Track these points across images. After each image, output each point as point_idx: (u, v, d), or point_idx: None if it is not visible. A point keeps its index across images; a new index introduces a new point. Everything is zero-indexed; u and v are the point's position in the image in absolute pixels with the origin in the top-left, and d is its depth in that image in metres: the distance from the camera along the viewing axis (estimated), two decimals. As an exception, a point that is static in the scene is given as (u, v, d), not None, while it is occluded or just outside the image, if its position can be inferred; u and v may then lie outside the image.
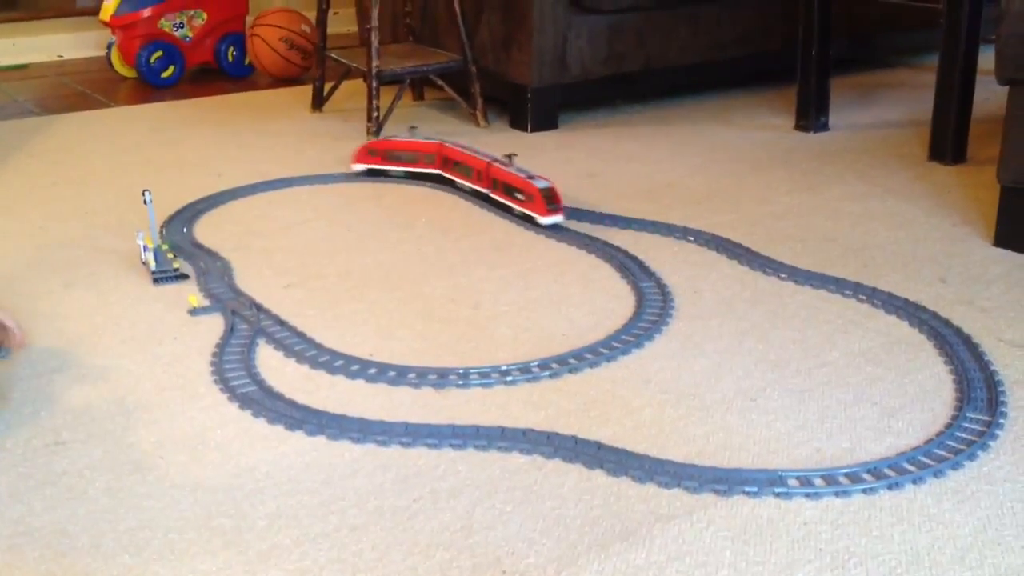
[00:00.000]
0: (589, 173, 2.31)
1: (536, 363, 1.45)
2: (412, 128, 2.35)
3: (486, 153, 2.14)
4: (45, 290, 1.73)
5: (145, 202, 1.75)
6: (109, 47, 3.35)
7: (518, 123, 2.68)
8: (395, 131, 2.59)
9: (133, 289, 1.73)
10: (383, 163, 2.27)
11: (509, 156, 2.07)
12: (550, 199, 1.95)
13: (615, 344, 1.51)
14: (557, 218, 1.95)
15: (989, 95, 2.54)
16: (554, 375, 1.43)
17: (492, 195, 2.07)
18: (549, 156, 2.44)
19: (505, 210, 2.04)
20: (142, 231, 1.80)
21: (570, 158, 2.43)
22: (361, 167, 2.28)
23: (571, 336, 1.55)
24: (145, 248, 1.77)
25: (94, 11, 3.39)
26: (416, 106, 2.92)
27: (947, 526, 1.11)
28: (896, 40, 3.29)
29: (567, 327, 1.58)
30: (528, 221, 1.98)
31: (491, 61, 2.69)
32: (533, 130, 2.65)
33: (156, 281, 1.74)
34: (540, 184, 1.96)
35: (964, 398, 1.35)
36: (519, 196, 1.99)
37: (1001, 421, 1.30)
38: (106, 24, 3.25)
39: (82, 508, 1.15)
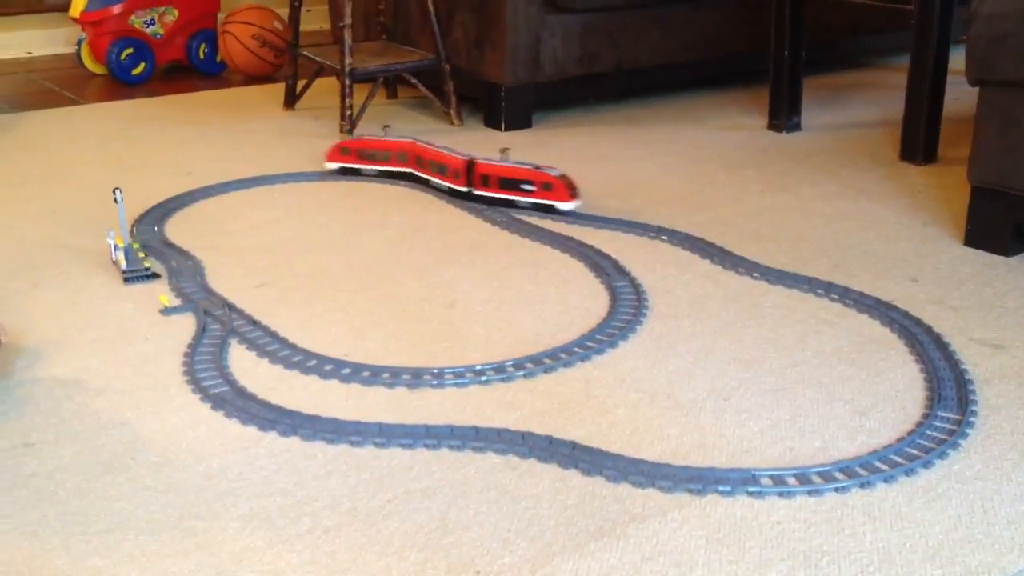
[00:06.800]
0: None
1: (510, 363, 1.45)
2: (386, 127, 2.34)
3: (460, 152, 2.14)
4: (13, 290, 1.71)
5: (116, 200, 1.74)
6: (79, 43, 3.32)
7: (492, 122, 2.68)
8: (369, 130, 2.58)
9: (103, 289, 1.71)
10: (356, 161, 2.26)
11: (503, 151, 2.08)
12: (571, 184, 1.99)
13: (589, 344, 1.51)
14: (578, 203, 2.00)
15: (959, 95, 2.57)
16: (528, 375, 1.43)
17: (478, 191, 2.06)
18: (523, 155, 2.44)
19: (496, 204, 2.05)
20: (112, 230, 1.79)
21: (544, 157, 2.42)
22: (334, 165, 2.28)
23: (545, 336, 1.55)
24: (116, 247, 1.76)
25: (63, 7, 3.36)
26: (390, 104, 2.91)
27: (918, 524, 1.12)
28: (867, 41, 3.32)
29: (541, 327, 1.58)
30: (541, 211, 2.01)
31: (465, 60, 2.69)
32: (507, 129, 2.65)
33: (127, 280, 1.73)
34: (555, 172, 2.00)
35: (935, 397, 1.36)
36: (528, 187, 2.00)
37: (971, 420, 1.31)
38: (76, 21, 3.23)
39: (52, 510, 1.14)
